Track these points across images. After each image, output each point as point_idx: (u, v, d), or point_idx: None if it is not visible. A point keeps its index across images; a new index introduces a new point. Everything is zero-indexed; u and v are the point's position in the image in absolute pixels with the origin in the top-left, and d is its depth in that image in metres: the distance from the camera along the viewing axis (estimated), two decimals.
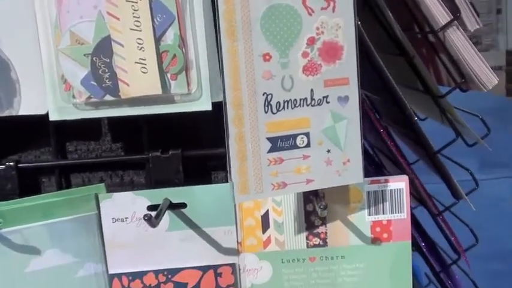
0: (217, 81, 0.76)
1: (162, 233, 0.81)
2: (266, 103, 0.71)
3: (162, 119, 0.80)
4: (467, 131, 0.92)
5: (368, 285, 0.83)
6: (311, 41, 0.71)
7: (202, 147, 0.85)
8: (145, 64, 0.74)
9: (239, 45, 0.69)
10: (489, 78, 0.86)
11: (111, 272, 0.82)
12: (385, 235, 0.82)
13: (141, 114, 0.77)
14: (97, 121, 0.85)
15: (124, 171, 0.87)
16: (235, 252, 0.82)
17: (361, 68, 0.74)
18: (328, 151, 0.74)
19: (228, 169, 0.79)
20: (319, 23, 0.71)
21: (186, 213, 0.81)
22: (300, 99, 0.72)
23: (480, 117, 0.98)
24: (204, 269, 0.82)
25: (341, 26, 0.72)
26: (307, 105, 0.72)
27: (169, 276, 0.82)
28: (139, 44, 0.73)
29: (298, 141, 0.73)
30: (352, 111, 0.74)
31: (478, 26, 0.89)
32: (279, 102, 0.71)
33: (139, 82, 0.74)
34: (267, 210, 0.82)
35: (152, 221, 0.74)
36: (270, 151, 0.72)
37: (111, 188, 0.85)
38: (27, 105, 0.79)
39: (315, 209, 0.81)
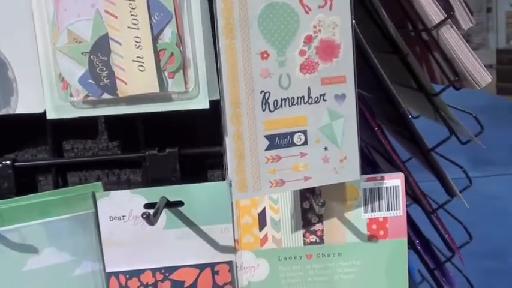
0: (214, 79, 0.77)
1: (159, 231, 0.82)
2: (264, 101, 0.71)
3: (159, 118, 0.80)
4: (461, 129, 0.93)
5: (364, 282, 0.84)
6: (308, 39, 0.72)
7: (198, 145, 0.85)
8: (143, 62, 0.74)
9: (237, 44, 0.69)
10: (482, 76, 0.86)
11: (108, 270, 0.82)
12: (381, 232, 0.82)
13: (138, 113, 0.77)
14: (94, 119, 0.85)
15: (121, 170, 0.87)
16: (232, 250, 0.83)
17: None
18: (325, 149, 0.74)
19: (224, 167, 0.79)
20: (316, 21, 0.72)
21: (183, 212, 0.81)
22: (297, 97, 0.72)
23: (474, 115, 0.99)
24: (201, 267, 0.82)
25: (338, 24, 0.72)
26: (305, 103, 0.72)
27: (167, 274, 0.82)
28: (137, 42, 0.74)
29: (296, 139, 0.73)
30: (349, 109, 0.74)
31: (471, 25, 0.89)
32: (276, 100, 0.71)
33: (137, 80, 0.74)
34: (264, 208, 0.82)
35: (151, 219, 0.74)
36: (267, 149, 0.72)
37: (108, 187, 0.85)
38: (24, 104, 0.79)
39: (311, 206, 0.82)
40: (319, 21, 0.72)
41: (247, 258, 0.83)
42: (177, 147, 0.84)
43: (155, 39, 0.74)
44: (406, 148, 1.08)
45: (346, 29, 0.72)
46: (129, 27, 0.73)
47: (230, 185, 0.74)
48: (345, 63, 0.73)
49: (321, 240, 0.82)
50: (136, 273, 0.82)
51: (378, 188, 0.82)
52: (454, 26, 0.84)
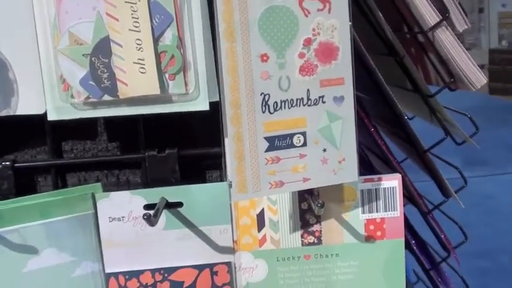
0: (214, 81, 0.77)
1: (159, 232, 0.82)
2: (264, 103, 0.72)
3: (158, 119, 0.80)
4: (456, 130, 0.93)
5: (362, 282, 0.84)
6: (307, 42, 0.72)
7: (197, 146, 0.86)
8: (143, 64, 0.74)
9: (237, 46, 0.70)
10: (477, 78, 0.87)
11: (107, 271, 0.83)
12: (378, 233, 0.83)
13: (137, 114, 0.78)
14: (93, 121, 0.85)
15: (120, 171, 0.87)
16: (231, 250, 0.83)
17: None
18: (324, 150, 0.75)
19: (223, 168, 0.80)
20: (315, 24, 0.72)
21: (182, 212, 0.82)
22: (297, 99, 0.73)
23: (469, 115, 0.99)
24: (200, 267, 0.83)
25: (336, 27, 0.73)
26: (304, 105, 0.73)
27: (166, 275, 0.83)
28: (138, 44, 0.74)
29: (295, 140, 0.74)
30: (347, 110, 0.75)
31: (466, 27, 0.90)
32: (276, 102, 0.72)
33: (137, 82, 0.75)
34: (262, 209, 0.83)
35: (151, 220, 0.74)
36: (267, 150, 0.73)
37: (107, 188, 0.86)
38: (24, 105, 0.79)
39: (309, 207, 0.82)
40: (318, 24, 0.72)
41: (246, 259, 0.83)
42: (176, 148, 0.84)
43: (156, 41, 0.75)
44: (401, 149, 1.09)
45: (344, 31, 0.73)
46: (130, 29, 0.74)
47: (229, 186, 0.75)
48: (343, 66, 0.74)
49: (319, 241, 0.83)
50: (136, 274, 0.82)
51: (376, 189, 0.82)
52: (449, 28, 0.85)
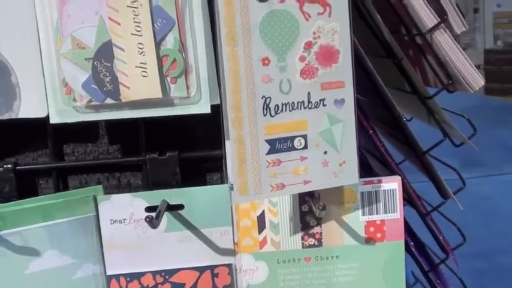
0: (215, 84, 0.78)
1: (160, 234, 0.82)
2: (265, 106, 0.72)
3: (159, 122, 0.81)
4: (454, 132, 0.94)
5: (362, 284, 0.85)
6: (308, 45, 0.73)
7: (197, 149, 0.86)
8: (145, 68, 0.75)
9: (239, 51, 0.70)
10: (475, 79, 0.87)
11: (109, 273, 0.83)
12: (378, 235, 0.84)
13: (138, 117, 0.78)
14: (94, 123, 0.86)
15: (121, 173, 0.88)
16: (232, 252, 0.84)
17: None
18: (325, 153, 0.75)
19: (224, 170, 0.80)
20: (315, 28, 0.73)
21: (183, 215, 0.82)
22: (298, 102, 0.73)
23: (467, 117, 1.00)
24: (201, 269, 0.83)
25: (337, 30, 0.73)
26: (305, 108, 0.74)
27: (167, 277, 0.83)
28: (140, 48, 0.75)
29: (296, 143, 0.74)
30: (348, 113, 0.75)
31: (464, 29, 0.90)
32: (277, 105, 0.73)
33: (139, 86, 0.75)
34: (263, 211, 0.83)
35: (153, 223, 0.75)
36: (268, 153, 0.73)
37: (108, 190, 0.86)
38: (26, 109, 0.80)
39: (310, 209, 0.83)
40: (319, 27, 0.73)
41: (247, 261, 0.84)
42: (177, 151, 0.85)
43: (158, 45, 0.75)
44: (400, 151, 1.09)
45: (345, 35, 0.74)
46: (132, 33, 0.74)
47: (230, 188, 0.75)
48: (344, 69, 0.74)
49: (320, 243, 0.84)
50: (137, 276, 0.83)
51: (376, 191, 0.83)
52: (447, 30, 0.85)
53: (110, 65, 0.75)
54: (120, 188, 0.88)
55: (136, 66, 0.75)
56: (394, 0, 0.88)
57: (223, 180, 0.87)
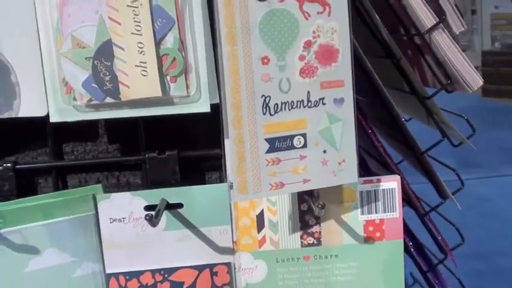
0: (214, 83, 0.78)
1: (159, 233, 0.83)
2: (264, 105, 0.72)
3: (158, 121, 0.81)
4: (453, 132, 0.94)
5: (361, 283, 0.85)
6: (308, 44, 0.73)
7: (196, 148, 0.87)
8: (145, 67, 0.75)
9: (239, 50, 0.71)
10: (474, 79, 0.87)
11: (108, 271, 0.83)
12: (377, 234, 0.84)
13: (138, 116, 0.79)
14: (94, 122, 0.86)
15: (120, 172, 0.88)
16: (231, 251, 0.84)
17: None
18: (324, 151, 0.75)
19: (223, 169, 0.81)
20: (315, 27, 0.73)
21: (182, 213, 0.82)
22: (297, 101, 0.74)
23: (465, 117, 1.00)
24: (200, 268, 0.84)
25: (336, 29, 0.74)
26: (304, 107, 0.74)
27: (166, 275, 0.83)
28: (140, 47, 0.75)
29: (295, 142, 0.74)
30: (347, 112, 0.75)
31: (463, 29, 0.91)
32: (276, 104, 0.73)
33: (139, 85, 0.75)
34: (262, 210, 0.83)
35: (153, 221, 0.75)
36: (268, 152, 0.73)
37: (108, 189, 0.86)
38: (26, 108, 0.80)
39: (309, 208, 0.83)
40: (318, 26, 0.73)
41: (246, 260, 0.84)
42: (176, 150, 0.85)
43: (158, 44, 0.76)
44: (398, 151, 1.09)
45: (344, 34, 0.74)
46: (132, 33, 0.75)
47: (230, 187, 0.76)
48: (343, 68, 0.74)
49: (319, 242, 0.84)
50: (136, 274, 0.83)
51: (375, 190, 0.83)
52: (445, 30, 0.85)
53: (110, 64, 0.75)
54: (120, 187, 0.88)
55: (136, 66, 0.75)
56: (392, 0, 0.89)
57: (222, 179, 0.87)
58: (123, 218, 0.82)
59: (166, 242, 0.83)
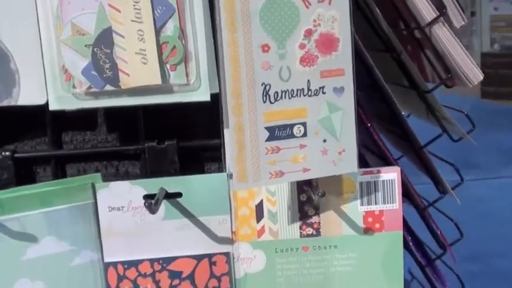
0: (214, 72, 0.78)
1: (158, 222, 0.82)
2: (264, 93, 0.72)
3: (158, 111, 0.81)
4: (453, 127, 0.94)
5: (360, 274, 0.85)
6: (308, 33, 0.73)
7: (195, 138, 0.86)
8: (145, 55, 0.75)
9: (239, 37, 0.71)
10: (475, 74, 0.87)
11: (106, 260, 0.83)
12: (377, 225, 0.84)
13: (137, 105, 0.79)
14: (93, 112, 0.86)
15: (119, 162, 0.88)
16: (230, 241, 0.84)
17: None
18: (324, 141, 0.75)
19: (222, 159, 0.80)
20: (316, 16, 0.73)
21: (181, 203, 0.82)
22: (297, 90, 0.73)
23: (465, 113, 1.00)
24: (199, 257, 0.83)
25: (337, 18, 0.73)
26: (304, 96, 0.74)
27: (165, 264, 0.83)
28: (140, 35, 0.75)
29: (295, 130, 0.74)
30: (348, 102, 0.75)
31: (463, 23, 0.90)
32: (276, 92, 0.73)
33: (139, 72, 0.75)
34: (261, 200, 0.83)
35: (152, 208, 0.75)
36: (267, 140, 0.73)
37: (107, 179, 0.86)
38: (26, 96, 0.79)
39: (308, 199, 0.83)
40: (319, 15, 0.73)
41: (244, 250, 0.84)
42: (175, 140, 0.85)
43: (158, 32, 0.75)
44: (397, 147, 1.09)
45: (345, 23, 0.74)
46: (132, 20, 0.74)
47: (229, 176, 0.76)
48: (344, 57, 0.74)
49: (318, 233, 0.84)
50: (135, 264, 0.83)
51: (375, 181, 0.83)
52: (446, 24, 0.85)
53: (109, 51, 0.75)
54: (119, 177, 0.88)
55: (136, 53, 0.75)
56: None
57: (221, 170, 0.87)
58: (122, 207, 0.82)
59: (165, 231, 0.83)
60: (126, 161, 0.88)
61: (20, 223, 0.80)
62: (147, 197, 0.81)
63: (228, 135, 0.73)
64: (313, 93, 0.74)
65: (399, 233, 0.84)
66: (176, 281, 0.83)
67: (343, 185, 0.83)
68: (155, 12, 0.75)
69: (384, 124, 1.06)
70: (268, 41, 0.71)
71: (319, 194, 0.77)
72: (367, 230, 0.84)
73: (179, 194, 0.82)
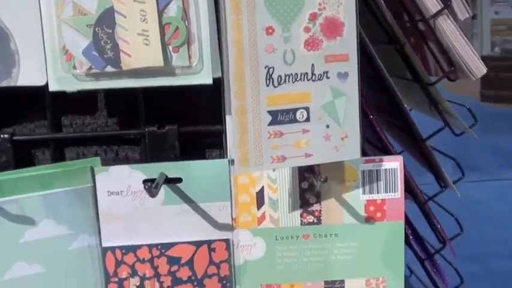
0: (216, 56, 0.77)
1: (157, 207, 0.82)
2: (268, 76, 0.71)
3: (158, 95, 0.80)
4: (455, 122, 0.93)
5: (361, 263, 0.84)
6: (313, 16, 0.72)
7: (197, 124, 0.86)
8: (147, 36, 0.74)
9: (243, 19, 0.70)
10: (478, 67, 0.87)
11: (105, 244, 0.82)
12: (378, 214, 0.83)
13: (138, 89, 0.78)
14: (93, 95, 0.85)
15: (119, 147, 0.87)
16: (230, 228, 0.83)
17: None
18: (327, 126, 0.74)
19: (224, 146, 0.80)
20: None
21: (181, 188, 0.81)
22: (301, 74, 0.73)
23: (467, 107, 1.00)
24: (198, 244, 0.82)
25: (342, 2, 0.73)
26: (308, 80, 0.73)
27: (163, 250, 0.82)
28: (142, 15, 0.74)
29: (298, 115, 0.73)
30: (351, 87, 0.74)
31: (468, 15, 0.90)
32: (280, 76, 0.72)
33: (141, 54, 0.74)
34: (262, 187, 0.82)
35: (152, 191, 0.74)
36: (270, 124, 0.72)
37: (106, 163, 0.85)
38: (25, 76, 0.78)
39: (310, 186, 0.82)
40: None
41: (244, 237, 0.83)
42: (176, 125, 0.84)
43: (160, 13, 0.74)
44: (398, 141, 1.08)
45: (350, 7, 0.73)
46: (134, 0, 0.74)
47: (230, 162, 0.75)
48: (348, 42, 0.73)
49: (319, 221, 0.83)
50: (133, 249, 0.82)
51: (377, 170, 0.82)
52: (450, 16, 0.85)
53: (111, 31, 0.74)
54: (118, 162, 0.87)
55: (138, 34, 0.74)
56: None
57: (222, 157, 0.86)
58: (121, 191, 0.81)
59: (165, 217, 0.82)
60: (126, 146, 0.87)
61: (18, 205, 0.79)
62: (146, 182, 0.80)
63: (230, 119, 0.72)
64: (317, 78, 0.73)
65: (401, 222, 0.83)
66: (175, 267, 0.83)
67: (345, 173, 0.82)
68: None
69: (384, 118, 1.06)
70: (273, 23, 0.71)
71: (322, 179, 0.76)
72: (369, 219, 0.83)
73: (179, 180, 0.81)
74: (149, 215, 0.82)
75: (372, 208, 0.83)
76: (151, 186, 0.74)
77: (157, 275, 0.83)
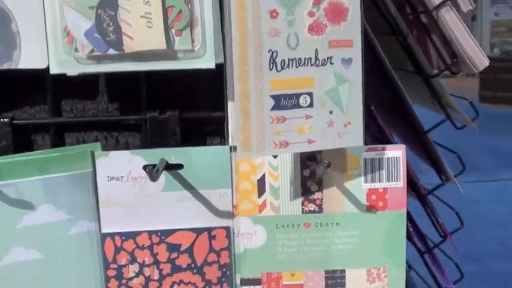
0: (219, 42, 0.76)
1: (158, 194, 0.81)
2: (271, 60, 0.71)
3: (160, 81, 0.79)
4: (457, 115, 0.93)
5: (362, 253, 0.83)
6: (317, 1, 0.72)
7: (198, 111, 0.85)
8: (150, 18, 0.73)
9: (247, 1, 0.69)
10: (480, 59, 0.86)
11: (104, 231, 0.81)
12: (380, 203, 0.82)
13: (139, 74, 0.77)
14: (94, 80, 0.84)
15: (120, 133, 0.86)
16: (230, 215, 0.82)
17: None
18: (331, 112, 0.74)
19: (225, 134, 0.79)
20: None
21: (182, 174, 0.80)
22: (305, 59, 0.72)
23: (469, 100, 0.99)
24: (198, 231, 0.82)
25: None
26: (312, 65, 0.72)
27: (163, 237, 0.81)
28: None
29: (301, 100, 0.73)
30: (355, 74, 0.74)
31: (471, 7, 0.89)
32: (283, 60, 0.71)
33: (143, 36, 0.74)
34: (263, 175, 0.81)
35: (153, 175, 0.73)
36: (273, 109, 0.72)
37: (106, 149, 0.84)
38: (27, 59, 0.78)
39: (311, 174, 0.81)
40: None
41: (245, 225, 0.82)
42: (177, 111, 0.83)
43: None
44: (399, 136, 1.07)
45: None
46: None
47: (232, 149, 0.74)
48: (353, 27, 0.73)
49: (320, 209, 0.82)
50: (132, 235, 0.81)
51: (379, 158, 0.82)
52: (453, 8, 0.84)
53: (114, 13, 0.74)
54: (119, 148, 0.86)
55: (141, 16, 0.73)
56: None
57: (223, 144, 0.85)
58: (122, 177, 0.80)
59: (165, 203, 0.81)
60: (127, 132, 0.86)
61: (17, 189, 0.78)
62: (147, 166, 0.80)
63: (233, 106, 0.71)
64: (320, 63, 0.72)
65: (403, 211, 0.82)
66: (174, 254, 0.82)
67: (347, 161, 0.81)
68: None
69: (385, 111, 1.05)
70: (277, 6, 0.70)
71: (325, 164, 0.75)
72: (370, 208, 0.82)
73: (180, 166, 0.80)
74: (149, 201, 0.81)
75: (373, 197, 0.82)
76: (152, 169, 0.73)
77: (156, 262, 0.82)
